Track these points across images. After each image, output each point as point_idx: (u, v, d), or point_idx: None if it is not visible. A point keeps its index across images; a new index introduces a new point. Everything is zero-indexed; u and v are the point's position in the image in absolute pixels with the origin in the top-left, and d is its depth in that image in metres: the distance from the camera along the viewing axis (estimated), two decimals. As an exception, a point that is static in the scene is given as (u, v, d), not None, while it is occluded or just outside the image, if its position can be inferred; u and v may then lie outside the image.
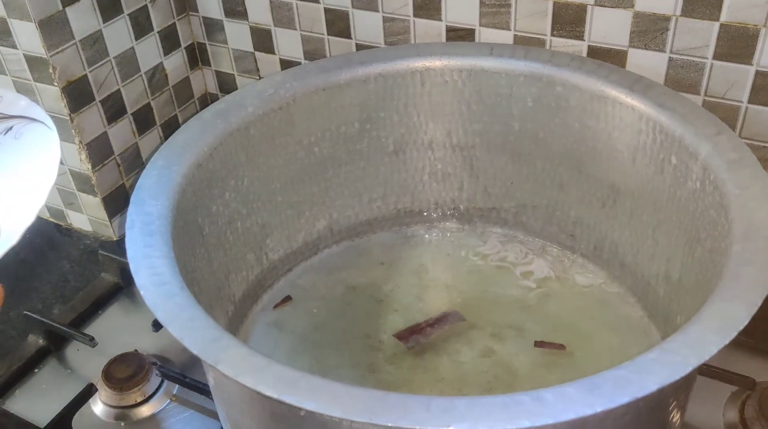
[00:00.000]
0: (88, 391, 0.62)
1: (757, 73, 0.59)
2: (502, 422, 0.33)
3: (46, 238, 0.82)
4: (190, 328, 0.38)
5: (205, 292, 0.53)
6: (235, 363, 0.36)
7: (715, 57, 0.60)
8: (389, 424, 0.33)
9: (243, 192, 0.58)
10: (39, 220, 0.83)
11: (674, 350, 0.36)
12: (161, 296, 0.40)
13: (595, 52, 0.64)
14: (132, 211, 0.46)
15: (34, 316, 0.67)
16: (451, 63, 0.61)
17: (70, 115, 0.71)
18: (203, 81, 0.86)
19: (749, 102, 0.61)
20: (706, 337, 0.37)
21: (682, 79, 0.62)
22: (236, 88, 0.85)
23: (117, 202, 0.78)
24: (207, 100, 0.87)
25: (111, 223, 0.78)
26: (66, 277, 0.76)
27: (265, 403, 0.36)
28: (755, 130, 0.62)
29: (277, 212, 0.62)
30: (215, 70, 0.85)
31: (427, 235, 0.69)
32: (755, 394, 0.58)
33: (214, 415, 0.60)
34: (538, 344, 0.59)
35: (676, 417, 0.45)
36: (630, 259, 0.60)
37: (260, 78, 0.82)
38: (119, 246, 0.79)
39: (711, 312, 0.38)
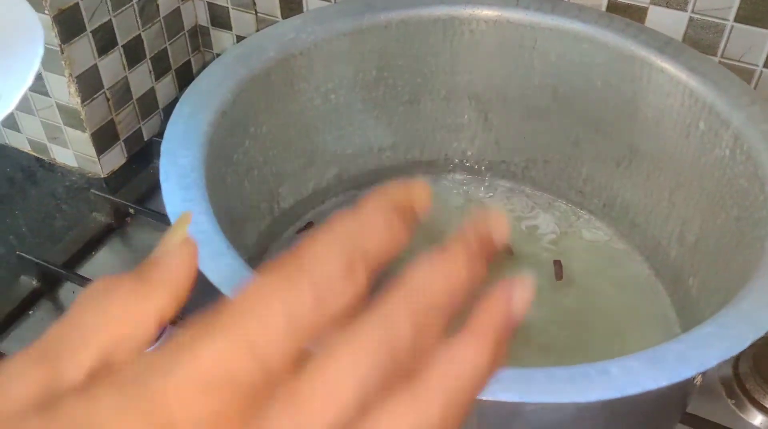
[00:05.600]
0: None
1: (776, 38, 0.60)
2: (572, 394, 0.33)
3: (27, 172, 0.78)
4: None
5: (226, 244, 0.52)
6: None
7: (737, 19, 0.60)
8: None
9: (261, 139, 0.56)
10: (18, 152, 0.79)
11: (730, 325, 0.37)
12: (210, 257, 0.38)
13: (614, 7, 0.63)
14: (165, 161, 0.44)
15: (28, 257, 0.64)
16: (475, 12, 0.59)
17: (60, 45, 0.67)
18: (194, 13, 0.82)
19: (765, 66, 0.61)
20: (760, 312, 0.37)
21: (701, 39, 0.62)
22: (229, 23, 0.81)
23: (105, 138, 0.75)
24: (197, 34, 0.83)
25: (99, 160, 0.75)
26: (53, 215, 0.73)
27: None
28: (767, 95, 0.62)
29: (291, 160, 0.60)
30: (207, 2, 0.81)
31: (434, 187, 0.69)
32: (750, 350, 0.59)
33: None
34: (556, 262, 0.61)
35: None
36: (642, 219, 0.61)
37: (256, 13, 0.79)
38: (107, 184, 0.76)
39: (761, 287, 0.39)
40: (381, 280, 0.20)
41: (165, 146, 0.45)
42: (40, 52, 0.49)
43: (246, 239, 0.58)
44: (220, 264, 0.38)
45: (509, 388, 0.33)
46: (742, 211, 0.49)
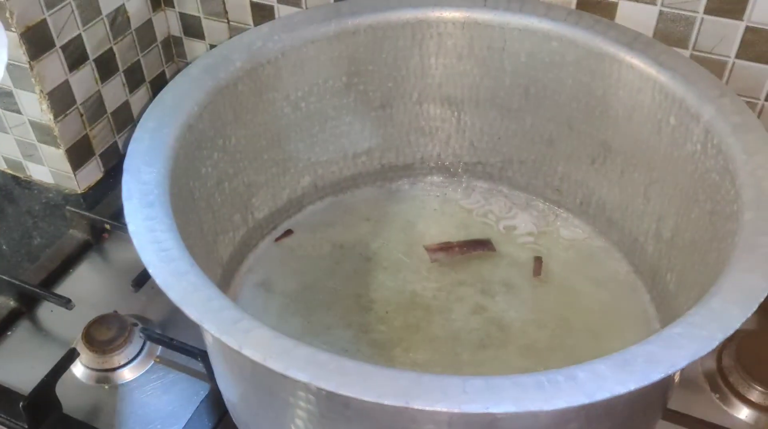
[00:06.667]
0: (71, 356, 0.59)
1: (747, 28, 0.59)
2: (539, 402, 0.33)
3: (4, 190, 0.78)
4: (208, 309, 0.36)
5: (198, 258, 0.51)
6: (260, 346, 0.35)
7: (706, 11, 0.60)
8: (426, 408, 0.33)
9: (230, 151, 0.56)
10: (-6, 171, 0.79)
11: (700, 324, 0.37)
12: (172, 274, 0.38)
13: (584, 4, 0.63)
14: (127, 180, 0.43)
15: (5, 277, 0.64)
16: (443, 15, 0.58)
17: (29, 62, 0.66)
18: (166, 23, 0.81)
19: (737, 57, 0.61)
20: (729, 310, 0.37)
21: (672, 33, 0.61)
22: (202, 32, 0.81)
23: (81, 154, 0.74)
24: (170, 44, 0.83)
25: (75, 176, 0.75)
26: (30, 234, 0.73)
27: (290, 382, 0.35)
28: (740, 86, 0.62)
29: (263, 170, 0.60)
30: (179, 12, 0.80)
31: (411, 190, 0.68)
32: (733, 343, 0.59)
33: (198, 375, 0.59)
34: (537, 259, 0.62)
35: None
36: (618, 215, 0.61)
37: (229, 22, 0.78)
38: (84, 200, 0.76)
39: (730, 284, 0.39)
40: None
41: (127, 164, 0.45)
42: (4, 58, 0.48)
43: (221, 251, 0.57)
44: (182, 282, 0.38)
45: (475, 399, 0.33)
46: (714, 205, 0.48)
